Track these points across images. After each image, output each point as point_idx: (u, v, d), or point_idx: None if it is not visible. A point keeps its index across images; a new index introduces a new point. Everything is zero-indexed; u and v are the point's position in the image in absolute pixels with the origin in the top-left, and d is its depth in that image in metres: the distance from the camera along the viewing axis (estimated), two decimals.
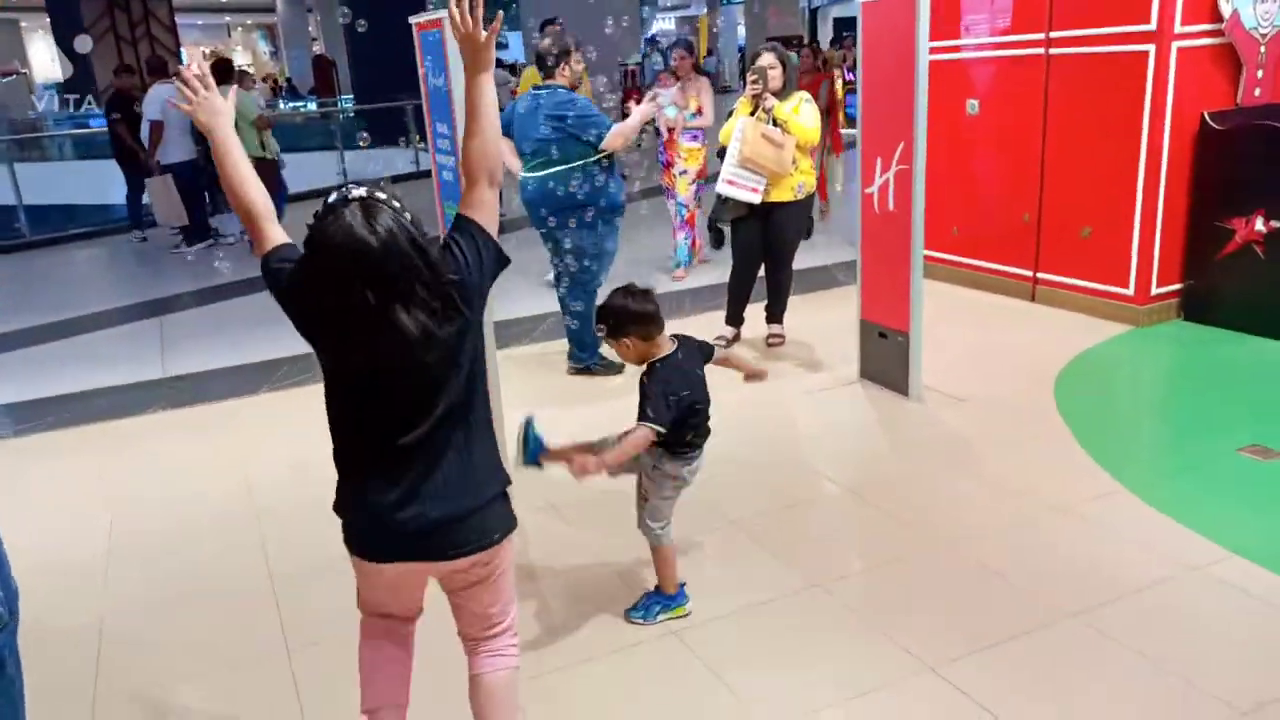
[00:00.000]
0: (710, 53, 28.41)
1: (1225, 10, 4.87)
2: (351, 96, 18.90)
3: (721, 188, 4.91)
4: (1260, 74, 5.07)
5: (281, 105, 24.91)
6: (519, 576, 3.15)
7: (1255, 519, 3.16)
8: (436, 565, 1.95)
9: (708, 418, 2.71)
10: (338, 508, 1.93)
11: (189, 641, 2.92)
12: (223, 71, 8.64)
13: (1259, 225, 4.78)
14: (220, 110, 2.03)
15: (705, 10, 37.60)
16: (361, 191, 1.74)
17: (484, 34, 1.95)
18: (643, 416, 2.54)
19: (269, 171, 8.56)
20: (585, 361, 5.05)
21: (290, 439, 4.17)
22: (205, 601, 3.15)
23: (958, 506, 3.44)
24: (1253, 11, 4.94)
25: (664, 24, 34.99)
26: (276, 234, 1.96)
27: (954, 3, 5.86)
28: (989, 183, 5.92)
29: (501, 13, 2.06)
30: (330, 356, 1.83)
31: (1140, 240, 5.11)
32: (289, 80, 30.73)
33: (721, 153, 5.00)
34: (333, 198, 1.75)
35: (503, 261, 1.94)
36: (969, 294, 6.02)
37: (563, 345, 5.23)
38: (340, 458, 1.91)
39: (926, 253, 4.33)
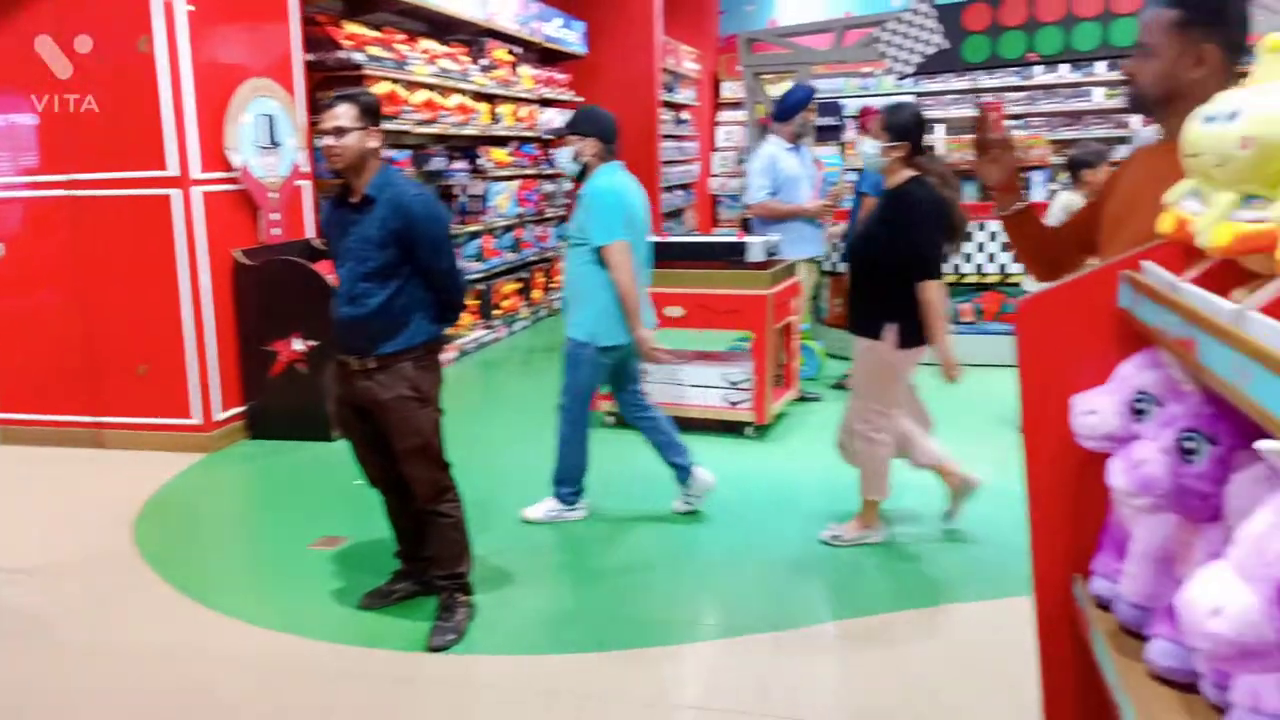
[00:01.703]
0: None
1: (236, 161, 5.40)
2: None
3: None
4: (277, 215, 5.76)
5: None
6: None
7: (328, 603, 3.49)
8: None
9: None
10: None
11: None
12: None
13: (297, 345, 5.39)
14: None
15: None
16: None
17: None
18: None
19: None
20: None
21: None
22: None
23: (57, 685, 3.02)
24: (259, 163, 5.60)
25: None
26: None
27: None
28: (30, 329, 5.46)
29: None
30: None
31: (199, 371, 5.28)
32: None
33: None
34: None
35: None
36: (25, 452, 5.42)
37: None
38: None
39: None
